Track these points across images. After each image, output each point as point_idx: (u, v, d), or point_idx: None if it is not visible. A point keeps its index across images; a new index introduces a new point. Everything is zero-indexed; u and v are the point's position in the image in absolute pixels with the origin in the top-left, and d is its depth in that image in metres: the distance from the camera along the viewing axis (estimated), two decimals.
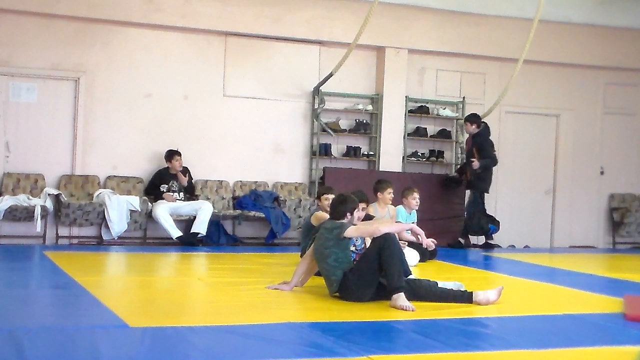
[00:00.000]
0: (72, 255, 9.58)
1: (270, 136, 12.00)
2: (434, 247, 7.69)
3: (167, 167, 11.14)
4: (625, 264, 11.82)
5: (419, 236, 7.45)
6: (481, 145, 11.91)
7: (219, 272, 8.43)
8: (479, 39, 12.78)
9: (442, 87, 12.90)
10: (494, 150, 12.10)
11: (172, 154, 11.08)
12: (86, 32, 11.11)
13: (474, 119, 11.98)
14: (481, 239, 12.41)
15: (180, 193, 11.07)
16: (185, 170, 11.19)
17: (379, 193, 9.44)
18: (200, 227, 10.87)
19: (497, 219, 12.22)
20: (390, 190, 9.41)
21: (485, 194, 12.18)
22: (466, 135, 12.35)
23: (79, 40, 11.08)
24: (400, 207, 9.70)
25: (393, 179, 10.75)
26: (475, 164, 11.75)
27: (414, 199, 9.33)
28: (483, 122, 12.06)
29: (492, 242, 12.27)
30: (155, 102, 11.44)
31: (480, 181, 11.94)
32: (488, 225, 11.99)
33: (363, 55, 12.33)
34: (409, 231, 7.97)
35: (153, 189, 11.12)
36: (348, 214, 6.93)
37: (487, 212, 12.17)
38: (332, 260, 6.70)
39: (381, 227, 6.77)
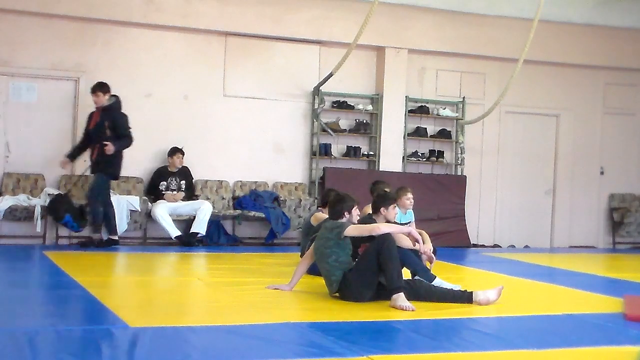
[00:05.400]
0: (72, 255, 9.57)
1: (270, 136, 11.99)
2: (433, 260, 7.25)
3: (166, 165, 11.15)
4: (625, 264, 11.82)
5: (417, 243, 7.06)
6: (116, 120, 10.09)
7: (219, 272, 8.43)
8: (479, 39, 12.77)
9: (442, 87, 12.89)
10: (130, 127, 10.25)
11: (175, 151, 11.10)
12: (86, 32, 11.11)
13: (105, 88, 10.11)
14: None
15: (180, 192, 11.06)
16: (186, 170, 11.20)
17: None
18: (200, 227, 10.86)
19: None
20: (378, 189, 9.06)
21: (115, 180, 10.55)
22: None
23: (79, 40, 11.08)
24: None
25: (393, 179, 10.74)
26: (110, 148, 9.88)
27: (408, 199, 8.89)
28: (114, 95, 10.24)
29: (114, 238, 10.26)
30: (155, 102, 11.44)
31: (109, 165, 10.10)
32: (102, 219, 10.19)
33: (363, 55, 12.33)
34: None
35: (153, 189, 11.12)
36: (346, 212, 6.95)
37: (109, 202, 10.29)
38: (332, 260, 6.71)
39: (381, 227, 6.78)
